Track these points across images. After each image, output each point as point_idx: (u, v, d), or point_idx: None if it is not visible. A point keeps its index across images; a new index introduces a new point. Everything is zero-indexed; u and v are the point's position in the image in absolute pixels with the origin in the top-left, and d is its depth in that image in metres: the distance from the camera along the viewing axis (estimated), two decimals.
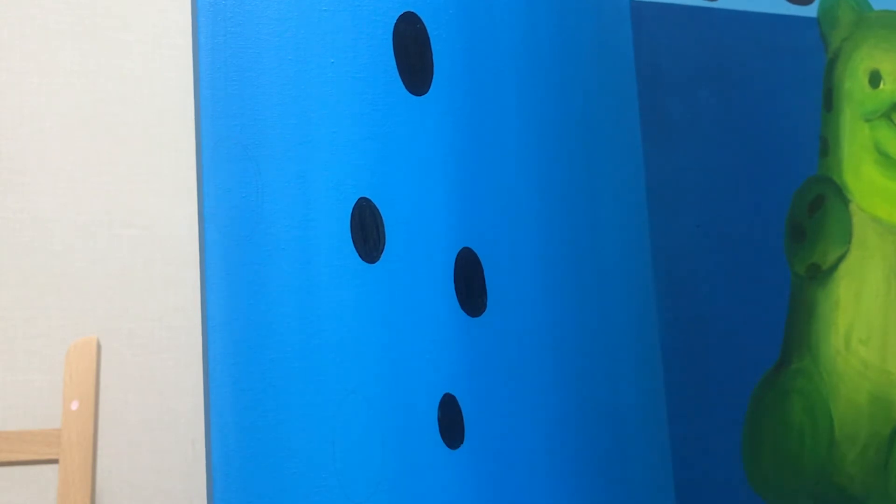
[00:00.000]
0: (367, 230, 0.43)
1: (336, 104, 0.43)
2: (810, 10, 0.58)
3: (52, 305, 0.43)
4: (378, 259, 0.43)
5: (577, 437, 0.45)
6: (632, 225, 0.50)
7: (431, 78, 0.46)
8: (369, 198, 0.43)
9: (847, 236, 0.57)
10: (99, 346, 0.42)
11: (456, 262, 0.44)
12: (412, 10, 0.46)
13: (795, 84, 0.57)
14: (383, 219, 0.43)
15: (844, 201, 0.57)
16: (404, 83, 0.45)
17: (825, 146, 0.57)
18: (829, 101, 0.58)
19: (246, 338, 0.40)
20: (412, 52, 0.45)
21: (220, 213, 0.40)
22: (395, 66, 0.45)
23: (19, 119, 0.45)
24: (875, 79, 0.59)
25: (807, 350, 0.54)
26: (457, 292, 0.44)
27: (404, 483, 0.41)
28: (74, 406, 0.40)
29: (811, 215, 0.56)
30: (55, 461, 0.40)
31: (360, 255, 0.42)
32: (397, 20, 0.45)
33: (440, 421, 0.42)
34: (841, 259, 0.56)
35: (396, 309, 0.43)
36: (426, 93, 0.45)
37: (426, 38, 0.46)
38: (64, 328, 0.43)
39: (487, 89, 0.47)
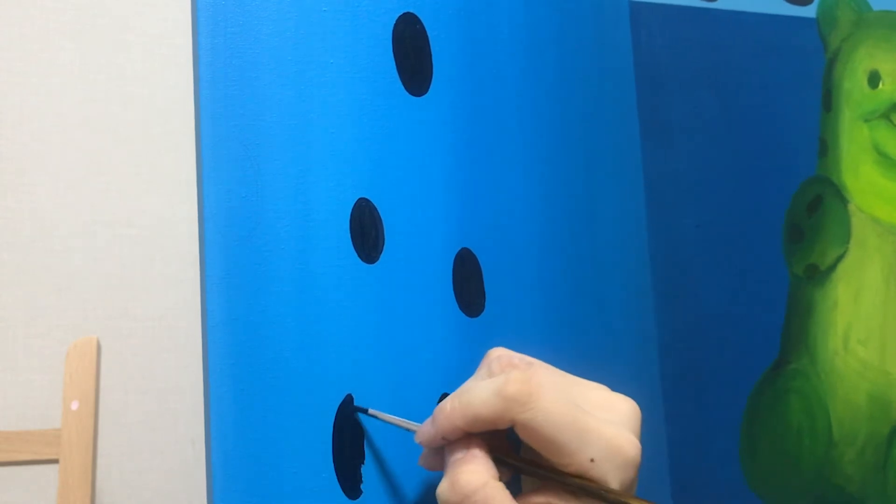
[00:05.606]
0: (366, 230, 0.43)
1: (335, 104, 0.43)
2: (809, 11, 0.58)
3: (52, 305, 0.43)
4: (377, 259, 0.43)
5: None
6: (630, 225, 0.50)
7: (431, 79, 0.46)
8: (368, 198, 0.43)
9: (846, 237, 0.56)
10: (99, 346, 0.42)
11: (454, 263, 0.45)
12: (411, 11, 0.46)
13: (794, 84, 0.57)
14: (382, 219, 0.43)
15: (843, 202, 0.57)
16: (403, 84, 0.45)
17: (824, 147, 0.57)
18: (828, 101, 0.58)
19: (246, 338, 0.40)
20: (411, 53, 0.45)
21: (220, 213, 0.40)
22: (395, 66, 0.45)
23: (19, 119, 0.45)
24: (874, 79, 0.59)
25: (805, 350, 0.54)
26: (455, 293, 0.44)
27: (404, 483, 0.42)
28: (74, 406, 0.40)
29: (810, 216, 0.56)
30: (55, 461, 0.40)
31: (359, 256, 0.43)
32: (397, 20, 0.45)
33: None
34: (839, 259, 0.56)
35: (395, 309, 0.43)
36: (425, 93, 0.45)
37: (425, 39, 0.46)
38: (64, 328, 0.43)
39: (487, 90, 0.47)
